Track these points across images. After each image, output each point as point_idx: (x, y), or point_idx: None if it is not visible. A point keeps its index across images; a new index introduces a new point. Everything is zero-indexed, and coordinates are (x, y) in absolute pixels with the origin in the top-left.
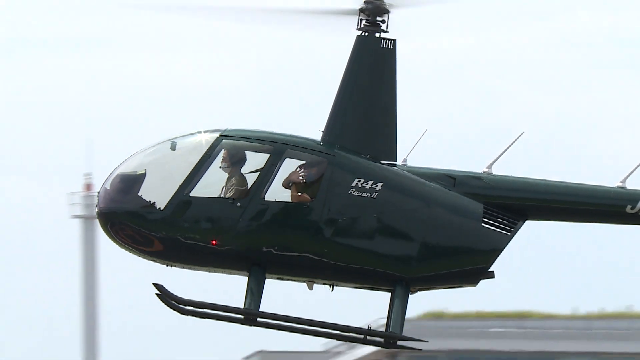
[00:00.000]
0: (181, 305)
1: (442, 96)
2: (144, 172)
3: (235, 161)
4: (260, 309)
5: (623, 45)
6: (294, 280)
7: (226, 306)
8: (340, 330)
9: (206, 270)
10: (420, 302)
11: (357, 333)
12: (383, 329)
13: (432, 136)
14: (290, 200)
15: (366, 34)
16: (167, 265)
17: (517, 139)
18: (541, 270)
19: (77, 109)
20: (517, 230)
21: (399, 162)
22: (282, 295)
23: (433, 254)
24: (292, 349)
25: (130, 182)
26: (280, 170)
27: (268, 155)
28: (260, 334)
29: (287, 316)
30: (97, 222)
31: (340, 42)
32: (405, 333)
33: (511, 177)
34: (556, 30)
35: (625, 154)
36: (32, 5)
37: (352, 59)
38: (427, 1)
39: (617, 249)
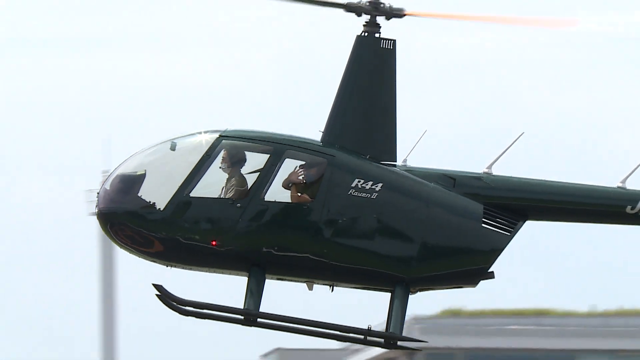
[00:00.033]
0: (181, 306)
1: (442, 96)
2: (143, 172)
3: (235, 161)
4: (260, 310)
5: (623, 45)
6: (294, 281)
7: (226, 307)
8: (340, 331)
9: (206, 271)
10: (438, 300)
11: (357, 333)
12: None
13: (432, 136)
14: (290, 201)
15: (366, 34)
16: (166, 266)
17: (517, 139)
18: (559, 268)
19: (95, 107)
20: (517, 230)
21: (399, 162)
22: (282, 295)
23: (433, 254)
24: (310, 347)
25: (130, 183)
26: (280, 170)
27: (268, 156)
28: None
29: (287, 317)
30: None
31: (340, 42)
32: (423, 331)
33: (511, 177)
34: (556, 29)
35: (625, 154)
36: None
37: (351, 59)
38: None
39: (636, 247)
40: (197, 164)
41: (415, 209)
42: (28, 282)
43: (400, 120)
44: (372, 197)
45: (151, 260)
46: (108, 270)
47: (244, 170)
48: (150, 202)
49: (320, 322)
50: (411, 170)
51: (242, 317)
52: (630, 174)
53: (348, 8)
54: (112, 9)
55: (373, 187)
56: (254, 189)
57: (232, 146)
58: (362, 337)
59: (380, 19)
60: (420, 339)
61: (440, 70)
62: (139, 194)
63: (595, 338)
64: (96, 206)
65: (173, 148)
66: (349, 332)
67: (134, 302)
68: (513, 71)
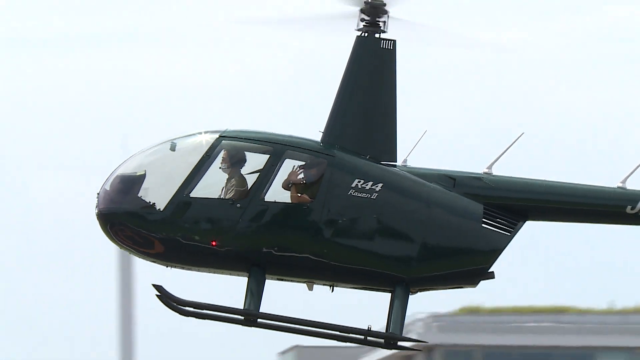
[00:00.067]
0: (181, 306)
1: (442, 96)
2: (143, 172)
3: (235, 162)
4: (260, 310)
5: (623, 45)
6: (294, 281)
7: (226, 307)
8: (340, 331)
9: (206, 271)
10: (456, 298)
11: (357, 334)
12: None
13: (432, 136)
14: (290, 201)
15: (366, 34)
16: (166, 266)
17: (517, 139)
18: (577, 266)
19: (95, 107)
20: (517, 230)
21: (399, 162)
22: (282, 295)
23: (433, 254)
24: (327, 344)
25: (130, 183)
26: (280, 171)
27: (268, 156)
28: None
29: (287, 317)
30: None
31: (340, 42)
32: (441, 328)
33: (511, 177)
34: (555, 29)
35: (625, 154)
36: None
37: (351, 60)
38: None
39: None
40: (197, 164)
41: (416, 209)
42: (44, 281)
43: (400, 120)
44: (372, 197)
45: (151, 261)
46: (126, 268)
47: (244, 170)
48: (150, 202)
49: (320, 322)
50: (411, 171)
51: (242, 318)
52: (630, 174)
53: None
54: (111, 9)
55: (373, 187)
56: (254, 189)
57: (232, 146)
58: (362, 337)
59: (380, 19)
60: (438, 336)
61: (441, 70)
62: (139, 195)
63: (614, 335)
64: (96, 206)
65: (173, 148)
66: (348, 332)
67: (152, 301)
68: (513, 71)
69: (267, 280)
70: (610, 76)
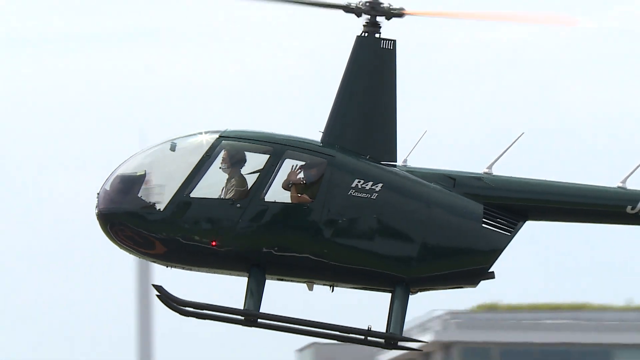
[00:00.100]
0: (181, 307)
1: (442, 96)
2: (143, 173)
3: (235, 162)
4: (261, 310)
5: (623, 45)
6: (294, 281)
7: (226, 307)
8: (340, 331)
9: (206, 271)
10: (474, 295)
11: (357, 334)
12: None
13: (432, 136)
14: (290, 201)
15: (366, 34)
16: (166, 266)
17: (517, 139)
18: (596, 262)
19: (95, 107)
20: (518, 230)
21: (399, 162)
22: (282, 295)
23: (433, 254)
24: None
25: (129, 183)
26: (280, 171)
27: (268, 156)
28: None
29: (287, 317)
30: None
31: (340, 42)
32: (459, 326)
33: (511, 177)
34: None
35: (625, 154)
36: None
37: (351, 60)
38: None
39: None
40: (197, 164)
41: (416, 209)
42: (61, 281)
43: (400, 120)
44: (372, 197)
45: (151, 261)
46: (144, 267)
47: (244, 170)
48: (150, 202)
49: (320, 322)
50: (411, 171)
51: (242, 318)
52: (630, 174)
53: (347, 9)
54: (111, 9)
55: (373, 187)
56: (254, 189)
57: (232, 146)
58: (362, 337)
59: (381, 19)
60: (455, 333)
61: (441, 70)
62: (139, 195)
63: (632, 332)
64: (96, 207)
65: (173, 148)
66: (349, 333)
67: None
68: (513, 71)
69: (267, 280)
70: (610, 76)
